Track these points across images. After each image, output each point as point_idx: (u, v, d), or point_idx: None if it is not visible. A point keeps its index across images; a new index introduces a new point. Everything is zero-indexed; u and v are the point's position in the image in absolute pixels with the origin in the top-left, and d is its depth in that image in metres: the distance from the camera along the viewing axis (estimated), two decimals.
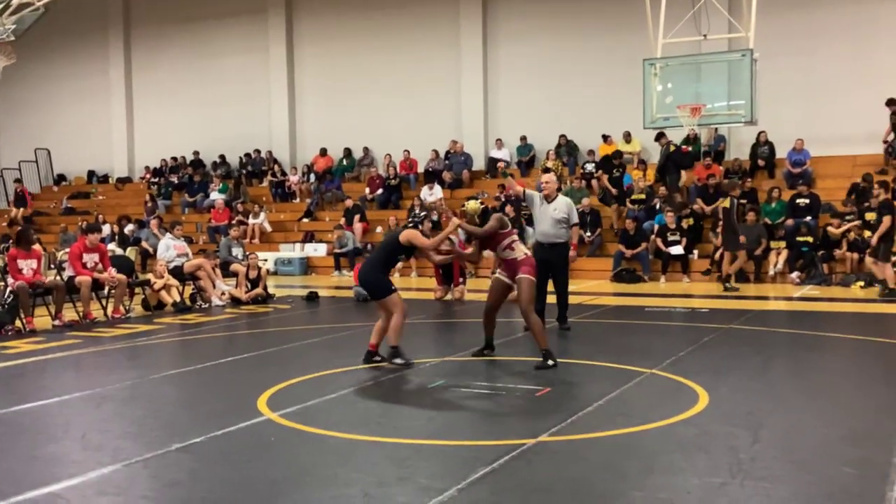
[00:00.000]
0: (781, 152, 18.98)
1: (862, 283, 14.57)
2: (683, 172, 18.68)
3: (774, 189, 17.57)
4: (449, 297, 13.97)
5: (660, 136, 18.85)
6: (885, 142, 17.85)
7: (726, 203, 14.51)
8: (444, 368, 8.00)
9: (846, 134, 18.34)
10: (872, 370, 8.01)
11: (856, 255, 15.17)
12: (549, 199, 9.90)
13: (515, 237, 8.13)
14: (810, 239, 16.03)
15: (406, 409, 6.55)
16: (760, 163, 19.16)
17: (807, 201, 16.84)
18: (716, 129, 19.30)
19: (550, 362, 7.74)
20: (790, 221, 16.57)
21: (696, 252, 17.12)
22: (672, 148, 18.82)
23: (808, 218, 16.50)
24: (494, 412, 6.33)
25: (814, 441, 5.40)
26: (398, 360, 7.88)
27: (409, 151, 22.73)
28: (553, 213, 9.85)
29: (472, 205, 8.46)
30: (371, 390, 7.09)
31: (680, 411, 6.11)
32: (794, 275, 15.76)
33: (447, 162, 22.34)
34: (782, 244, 16.29)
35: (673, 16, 15.20)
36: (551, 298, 10.16)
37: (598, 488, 4.57)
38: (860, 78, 18.44)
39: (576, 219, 10.14)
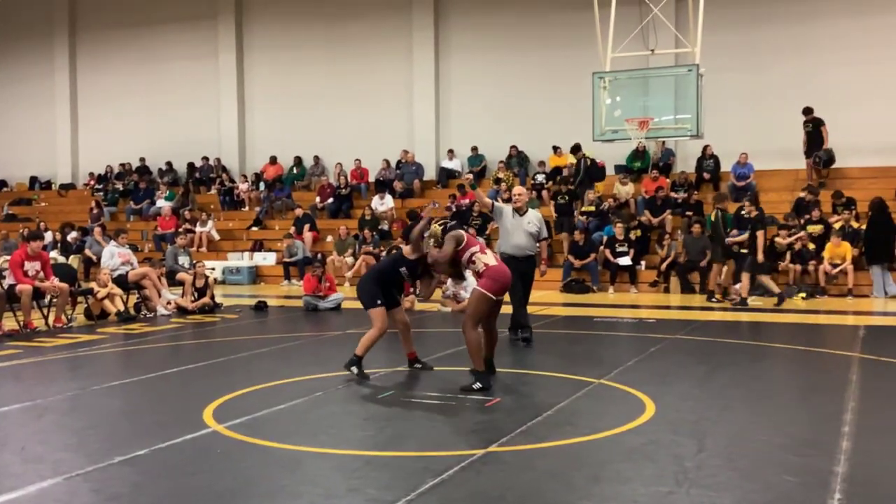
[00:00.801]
0: (726, 166, 19.38)
1: (804, 295, 14.91)
2: (599, 184, 19.36)
3: (720, 195, 17.89)
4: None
5: (576, 150, 19.09)
6: (815, 157, 18.21)
7: (713, 215, 14.84)
8: (394, 378, 7.98)
9: (789, 148, 18.77)
10: (814, 379, 8.19)
11: (798, 267, 15.52)
12: (520, 211, 9.88)
13: (475, 248, 7.75)
14: None
15: (355, 420, 6.50)
16: (706, 176, 19.52)
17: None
18: (664, 142, 19.63)
19: (476, 385, 7.22)
20: (734, 233, 16.85)
21: (643, 263, 17.35)
22: (588, 162, 19.03)
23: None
24: (444, 422, 6.32)
25: (757, 449, 5.50)
26: (354, 370, 7.79)
27: (360, 161, 22.67)
28: (526, 227, 9.82)
29: (436, 228, 8.24)
30: (320, 401, 7.03)
31: (627, 421, 6.18)
32: (737, 286, 16.02)
33: (398, 171, 22.33)
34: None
35: (622, 30, 15.44)
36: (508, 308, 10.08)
37: (547, 498, 4.59)
38: (802, 94, 18.91)
39: (545, 233, 10.20)
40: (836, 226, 16.11)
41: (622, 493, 4.64)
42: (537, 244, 10.09)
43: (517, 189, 10.27)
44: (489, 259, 7.68)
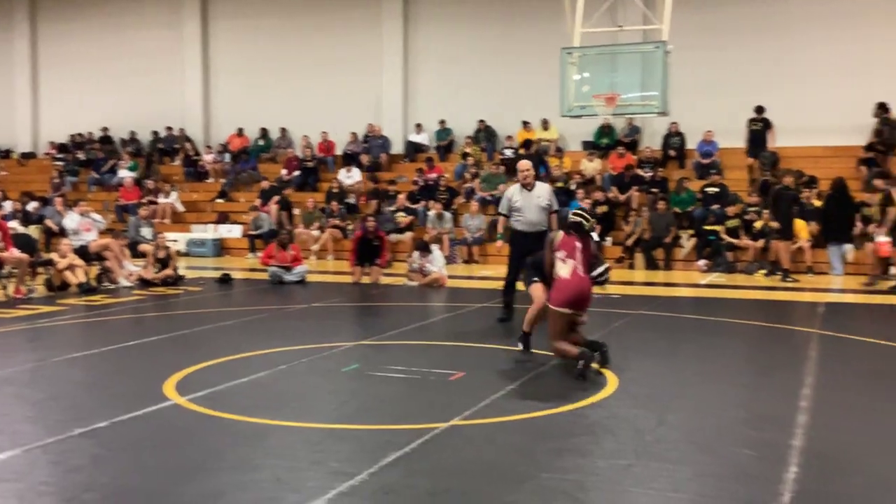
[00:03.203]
0: (692, 143, 19.51)
1: (765, 271, 15.11)
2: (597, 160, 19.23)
3: (684, 179, 18.08)
4: (365, 279, 13.92)
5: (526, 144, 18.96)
6: (761, 157, 18.25)
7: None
8: (359, 352, 7.97)
9: None
10: (773, 355, 8.33)
11: (760, 244, 15.71)
12: (529, 187, 9.52)
13: (561, 254, 7.30)
14: (718, 228, 16.52)
15: (319, 393, 6.50)
16: (672, 153, 19.66)
17: (717, 190, 17.36)
18: (631, 119, 19.69)
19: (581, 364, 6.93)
20: (699, 209, 17.04)
21: (609, 239, 17.46)
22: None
23: (717, 206, 16.98)
24: (408, 396, 6.34)
25: (716, 423, 5.59)
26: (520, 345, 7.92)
27: (326, 133, 22.48)
28: (537, 201, 9.46)
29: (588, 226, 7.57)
30: (284, 374, 7.01)
31: (590, 395, 6.24)
32: (701, 262, 16.24)
33: (366, 145, 22.19)
34: (691, 232, 16.78)
35: (591, 6, 15.38)
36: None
37: (509, 471, 4.63)
38: (767, 72, 19.06)
39: (556, 205, 9.72)
40: None
41: (583, 466, 4.69)
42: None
43: (522, 164, 9.78)
44: (563, 271, 7.26)
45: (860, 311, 11.47)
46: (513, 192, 9.69)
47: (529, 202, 9.52)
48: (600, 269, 7.40)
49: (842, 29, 18.85)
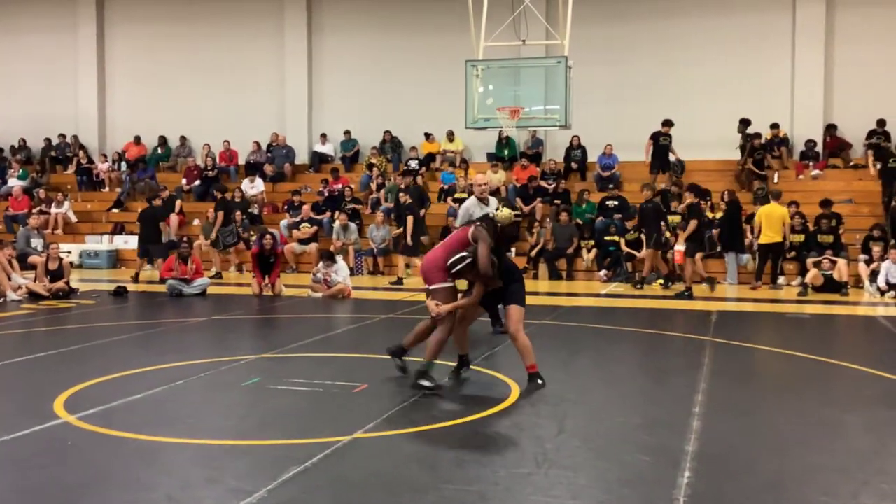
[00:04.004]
0: (593, 156, 19.96)
1: (661, 281, 15.55)
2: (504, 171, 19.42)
3: (585, 191, 18.47)
4: (268, 291, 13.70)
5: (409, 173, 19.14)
6: (672, 166, 18.82)
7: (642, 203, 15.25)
8: (261, 365, 7.82)
9: None
10: (668, 362, 8.56)
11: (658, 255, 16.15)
12: (485, 201, 9.38)
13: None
14: (618, 238, 16.93)
15: (218, 409, 6.34)
16: (574, 165, 20.06)
17: (616, 203, 17.79)
18: (535, 131, 20.02)
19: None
20: (600, 220, 17.44)
21: (513, 250, 17.65)
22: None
23: (618, 217, 17.40)
24: (309, 410, 6.25)
25: (613, 430, 5.70)
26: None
27: (228, 142, 22.06)
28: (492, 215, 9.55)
29: (506, 213, 7.26)
30: (181, 390, 6.81)
31: (493, 405, 6.28)
32: (602, 273, 16.62)
33: (269, 154, 21.87)
34: (591, 243, 17.14)
35: (494, 20, 15.60)
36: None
37: (411, 482, 4.61)
38: (663, 88, 19.70)
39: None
40: None
41: (484, 476, 4.70)
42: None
43: (480, 177, 9.63)
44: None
45: (749, 319, 11.92)
46: (472, 206, 9.50)
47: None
48: (455, 258, 6.75)
49: (734, 47, 19.67)
